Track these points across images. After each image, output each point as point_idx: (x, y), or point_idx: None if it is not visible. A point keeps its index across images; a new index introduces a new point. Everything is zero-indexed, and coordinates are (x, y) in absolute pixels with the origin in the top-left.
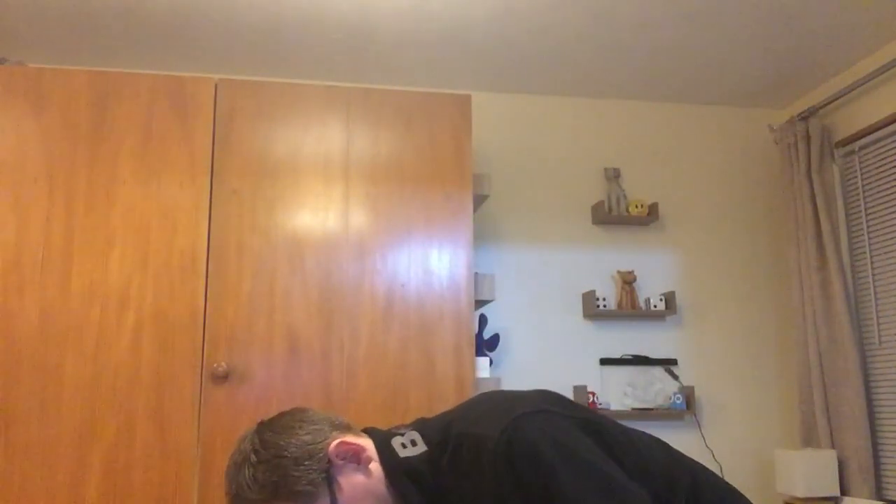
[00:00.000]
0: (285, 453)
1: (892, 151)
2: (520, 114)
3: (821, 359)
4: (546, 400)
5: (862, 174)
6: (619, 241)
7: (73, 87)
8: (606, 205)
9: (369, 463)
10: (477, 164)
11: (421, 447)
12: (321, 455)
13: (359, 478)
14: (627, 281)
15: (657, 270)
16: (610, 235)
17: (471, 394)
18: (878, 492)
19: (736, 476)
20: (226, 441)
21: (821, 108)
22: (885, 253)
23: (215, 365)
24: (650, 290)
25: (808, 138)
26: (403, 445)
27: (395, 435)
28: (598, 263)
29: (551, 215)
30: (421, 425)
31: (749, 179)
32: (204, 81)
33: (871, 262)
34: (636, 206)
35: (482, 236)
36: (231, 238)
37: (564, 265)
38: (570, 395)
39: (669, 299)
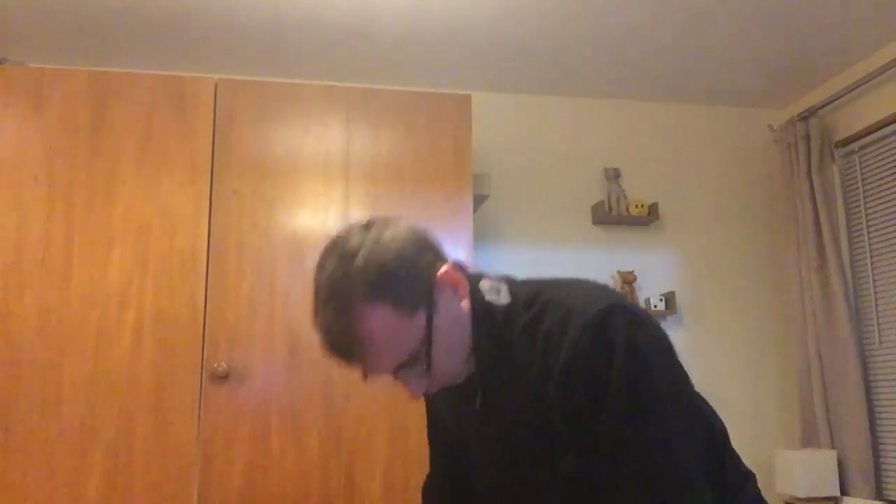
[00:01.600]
0: (400, 259)
1: (892, 151)
2: (520, 114)
3: (821, 359)
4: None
5: (862, 174)
6: (619, 241)
7: (73, 87)
8: (606, 205)
9: (462, 298)
10: (477, 164)
11: (504, 298)
12: (429, 274)
13: (454, 306)
14: (627, 281)
15: (657, 270)
16: (610, 235)
17: None
18: (878, 492)
19: None
20: (226, 441)
21: (821, 108)
22: (885, 253)
23: (215, 365)
24: (650, 290)
25: (808, 138)
26: (490, 290)
27: (484, 278)
28: (598, 263)
29: (551, 215)
30: (509, 279)
31: (749, 179)
32: (204, 81)
33: (871, 262)
34: (636, 206)
35: (482, 236)
36: (231, 238)
37: (564, 265)
38: None
39: (669, 299)
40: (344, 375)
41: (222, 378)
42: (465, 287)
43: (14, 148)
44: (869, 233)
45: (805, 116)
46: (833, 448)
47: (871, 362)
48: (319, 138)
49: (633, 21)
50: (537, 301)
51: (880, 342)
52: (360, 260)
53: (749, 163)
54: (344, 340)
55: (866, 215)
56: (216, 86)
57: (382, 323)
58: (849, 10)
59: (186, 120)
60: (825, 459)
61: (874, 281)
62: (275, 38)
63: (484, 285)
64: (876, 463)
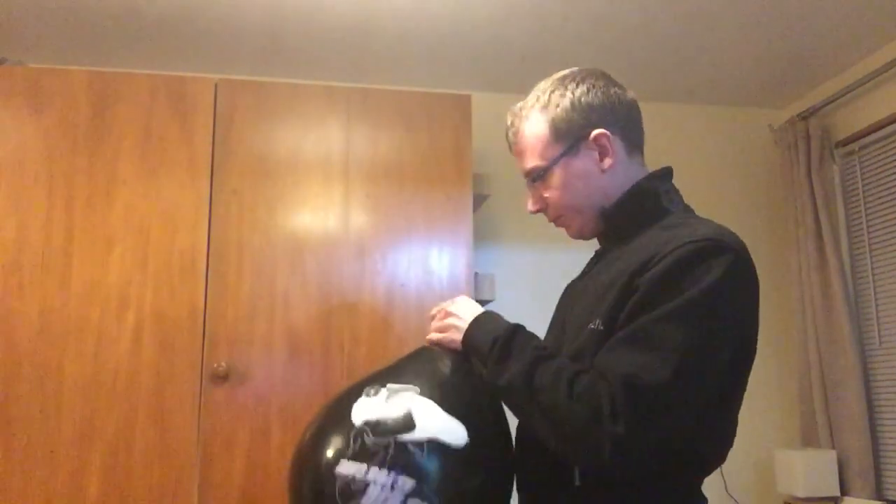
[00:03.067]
0: (576, 87)
1: (892, 151)
2: None
3: (821, 359)
4: None
5: (862, 174)
6: None
7: (72, 87)
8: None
9: (603, 163)
10: (477, 164)
11: (670, 205)
12: (587, 127)
13: (590, 161)
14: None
15: None
16: None
17: None
18: (878, 492)
19: (736, 476)
20: (226, 441)
21: (821, 108)
22: (885, 253)
23: (215, 365)
24: None
25: (808, 138)
26: (665, 193)
27: (669, 183)
28: None
29: None
30: (689, 210)
31: (749, 179)
32: (204, 81)
33: (871, 262)
34: None
35: (482, 236)
36: (231, 238)
37: (564, 265)
38: None
39: None
40: (344, 376)
41: (222, 378)
42: (612, 157)
43: (14, 148)
44: (869, 233)
45: (805, 116)
46: (833, 448)
47: (871, 362)
48: (319, 138)
49: (633, 21)
50: (684, 218)
51: (880, 342)
52: (556, 78)
53: (749, 163)
54: (512, 122)
55: (866, 215)
56: (216, 86)
57: (530, 129)
58: (849, 10)
59: (186, 120)
60: (825, 459)
61: (874, 281)
62: (275, 38)
63: (653, 188)
64: (876, 463)
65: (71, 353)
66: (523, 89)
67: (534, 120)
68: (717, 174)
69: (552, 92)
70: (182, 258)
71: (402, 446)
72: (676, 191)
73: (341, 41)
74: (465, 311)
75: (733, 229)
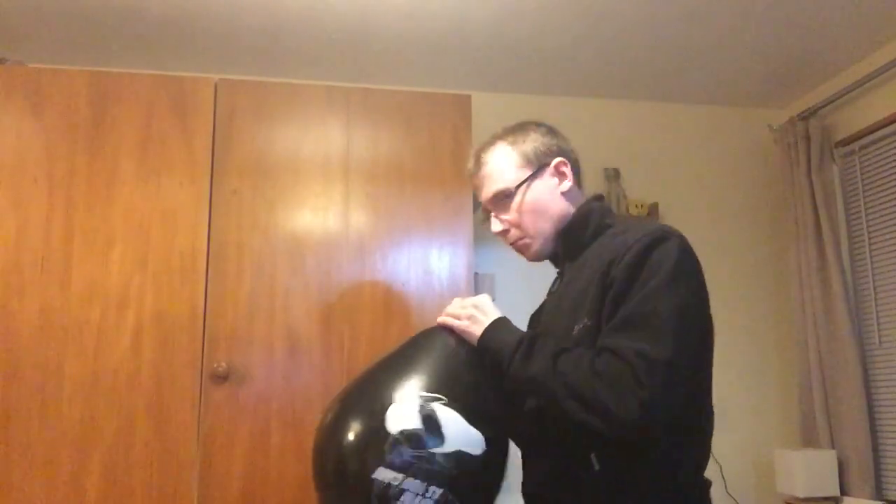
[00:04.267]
0: (535, 130)
1: (892, 151)
2: (520, 114)
3: (821, 359)
4: None
5: (862, 174)
6: None
7: (72, 87)
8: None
9: (560, 187)
10: None
11: (608, 219)
12: (548, 156)
13: (551, 186)
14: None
15: None
16: None
17: None
18: (878, 492)
19: (736, 476)
20: (226, 441)
21: (821, 108)
22: (885, 253)
23: (215, 365)
24: None
25: (808, 138)
26: (601, 210)
27: (605, 204)
28: None
29: None
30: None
31: (749, 179)
32: (204, 81)
33: (871, 262)
34: (636, 207)
35: (482, 236)
36: (231, 238)
37: None
38: None
39: None
40: (344, 376)
41: (222, 378)
42: (567, 182)
43: (14, 148)
44: (869, 233)
45: (805, 116)
46: (833, 448)
47: (871, 362)
48: (319, 138)
49: (633, 21)
50: (627, 225)
51: (880, 342)
52: (512, 125)
53: (749, 163)
54: (476, 156)
55: (866, 215)
56: (216, 86)
57: (499, 157)
58: (849, 10)
59: (186, 120)
60: (825, 459)
61: (874, 281)
62: (275, 38)
63: (599, 206)
64: (876, 463)
65: (71, 353)
66: (523, 89)
67: (501, 150)
68: (717, 174)
69: (515, 130)
70: (182, 258)
71: (433, 458)
72: (611, 209)
73: (341, 41)
74: (489, 310)
75: (733, 229)
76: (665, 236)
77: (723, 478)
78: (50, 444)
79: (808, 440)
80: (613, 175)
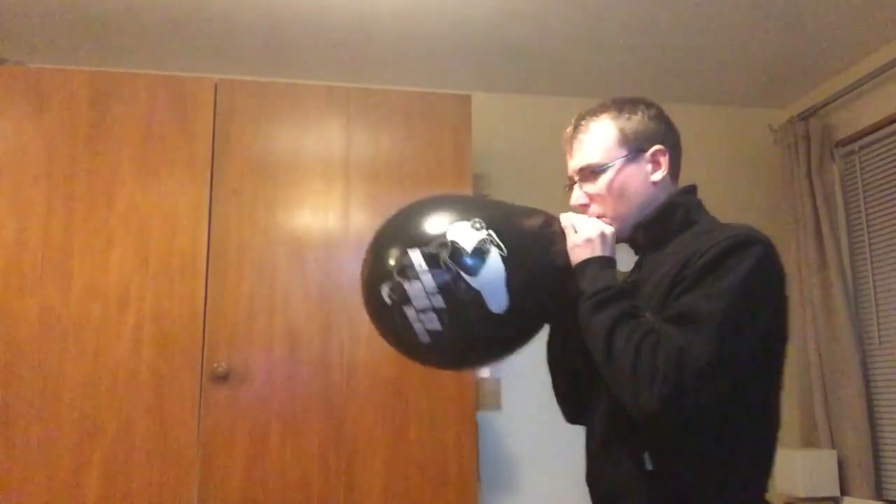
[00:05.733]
0: (644, 111)
1: (892, 151)
2: (520, 114)
3: (821, 359)
4: None
5: (862, 174)
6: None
7: (73, 87)
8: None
9: (653, 176)
10: (477, 164)
11: (698, 216)
12: (647, 144)
13: (642, 173)
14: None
15: None
16: None
17: (471, 394)
18: (878, 492)
19: None
20: (226, 441)
21: (821, 108)
22: (885, 253)
23: (215, 365)
24: None
25: (808, 138)
26: (695, 206)
27: (696, 198)
28: None
29: None
30: (712, 217)
31: (749, 179)
32: (204, 81)
33: (871, 262)
34: None
35: None
36: (231, 238)
37: None
38: None
39: None
40: (344, 376)
41: (222, 378)
42: (662, 171)
43: (14, 148)
44: (869, 233)
45: (805, 116)
46: (833, 448)
47: (871, 362)
48: (319, 138)
49: (633, 21)
50: (713, 224)
51: (880, 342)
52: (624, 99)
53: (749, 163)
54: (577, 122)
55: (866, 215)
56: (216, 86)
57: (600, 130)
58: (849, 10)
59: (186, 120)
60: (825, 459)
61: (874, 281)
62: (275, 38)
63: (686, 200)
64: (876, 463)
65: (71, 353)
66: (523, 89)
67: (604, 122)
68: (717, 174)
69: (625, 105)
70: (182, 258)
71: (458, 277)
72: (701, 204)
73: (341, 41)
74: (606, 246)
75: None
76: (750, 241)
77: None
78: (50, 444)
79: (808, 440)
80: None
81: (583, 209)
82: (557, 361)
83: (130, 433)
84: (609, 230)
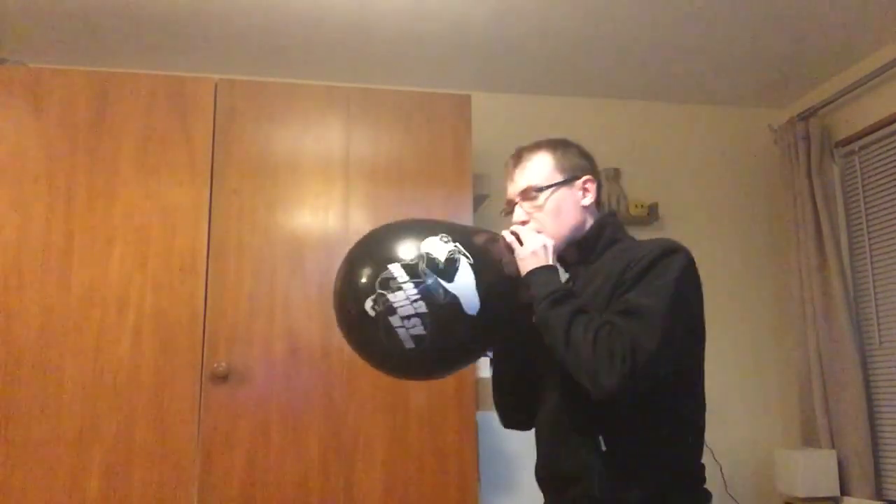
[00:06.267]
0: (575, 150)
1: (892, 151)
2: (520, 114)
3: (821, 359)
4: None
5: (862, 174)
6: None
7: (72, 87)
8: (606, 205)
9: (583, 203)
10: (477, 164)
11: (620, 234)
12: (579, 174)
13: (576, 198)
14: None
15: None
16: None
17: (471, 394)
18: (878, 492)
19: (736, 476)
20: (226, 441)
21: (821, 108)
22: (885, 253)
23: (215, 365)
24: None
25: (808, 138)
26: (615, 226)
27: (618, 221)
28: None
29: None
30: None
31: (749, 179)
32: (204, 81)
33: (871, 262)
34: (636, 207)
35: None
36: (231, 238)
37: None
38: None
39: None
40: (344, 376)
41: (222, 378)
42: (590, 197)
43: (14, 148)
44: (869, 233)
45: (805, 116)
46: (833, 448)
47: (871, 362)
48: (319, 138)
49: (633, 21)
50: (635, 241)
51: (880, 342)
52: (556, 139)
53: (749, 163)
54: (518, 154)
55: (866, 215)
56: (216, 86)
57: (540, 160)
58: (849, 10)
59: (186, 120)
60: (825, 459)
61: (874, 281)
62: (275, 38)
63: (614, 220)
64: (876, 463)
65: (71, 353)
66: (523, 89)
67: (543, 154)
68: (717, 174)
69: (558, 144)
70: (182, 258)
71: (437, 284)
72: (623, 226)
73: (341, 41)
74: (550, 256)
75: (733, 229)
76: (676, 249)
77: (723, 478)
78: (50, 444)
79: (808, 440)
80: (613, 175)
81: (523, 226)
82: (501, 374)
83: (130, 433)
84: (550, 243)
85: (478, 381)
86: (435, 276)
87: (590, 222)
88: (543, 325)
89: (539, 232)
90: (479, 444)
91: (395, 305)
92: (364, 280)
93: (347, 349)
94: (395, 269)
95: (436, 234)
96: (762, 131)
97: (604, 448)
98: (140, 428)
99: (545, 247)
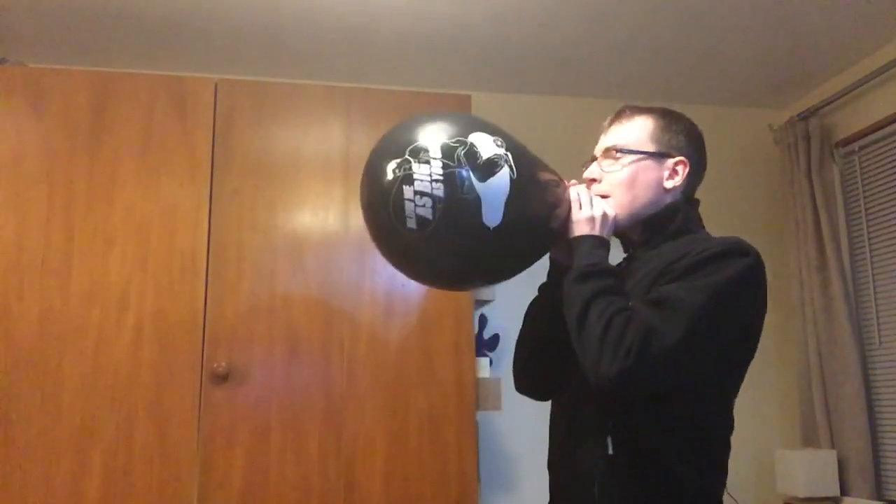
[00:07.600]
0: (684, 130)
1: (892, 151)
2: (520, 114)
3: (821, 359)
4: None
5: (862, 174)
6: None
7: (73, 87)
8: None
9: (667, 184)
10: None
11: (695, 227)
12: (673, 152)
13: (658, 177)
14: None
15: None
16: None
17: (471, 394)
18: (878, 492)
19: (736, 476)
20: (226, 441)
21: (821, 108)
22: (885, 253)
23: (215, 365)
24: None
25: (808, 138)
26: (693, 217)
27: (697, 214)
28: None
29: None
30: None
31: (749, 179)
32: (204, 81)
33: (871, 262)
34: None
35: None
36: (231, 238)
37: None
38: None
39: None
40: (344, 376)
41: (222, 378)
42: (676, 181)
43: (14, 148)
44: (869, 233)
45: (805, 116)
46: (833, 448)
47: (871, 362)
48: (319, 138)
49: (634, 21)
50: (708, 235)
51: (880, 342)
52: (671, 111)
53: (749, 163)
54: (622, 109)
55: (866, 215)
56: (216, 86)
57: (639, 123)
58: (849, 10)
59: (186, 120)
60: (825, 459)
61: (874, 281)
62: (275, 38)
63: (690, 209)
64: (876, 463)
65: (71, 353)
66: (523, 89)
67: (646, 118)
68: (717, 174)
69: (671, 115)
70: (182, 258)
71: (465, 177)
72: (701, 218)
73: (341, 41)
74: (606, 228)
75: (733, 229)
76: (740, 251)
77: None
78: (50, 444)
79: (808, 440)
80: None
81: (589, 184)
82: (525, 331)
83: (130, 433)
84: (612, 213)
85: (478, 381)
86: (468, 168)
87: (665, 204)
88: (566, 298)
89: (605, 197)
90: (479, 444)
91: (415, 176)
92: (400, 142)
93: (347, 349)
94: (432, 144)
95: (492, 136)
96: (762, 131)
97: (610, 451)
98: (140, 428)
99: (605, 216)
